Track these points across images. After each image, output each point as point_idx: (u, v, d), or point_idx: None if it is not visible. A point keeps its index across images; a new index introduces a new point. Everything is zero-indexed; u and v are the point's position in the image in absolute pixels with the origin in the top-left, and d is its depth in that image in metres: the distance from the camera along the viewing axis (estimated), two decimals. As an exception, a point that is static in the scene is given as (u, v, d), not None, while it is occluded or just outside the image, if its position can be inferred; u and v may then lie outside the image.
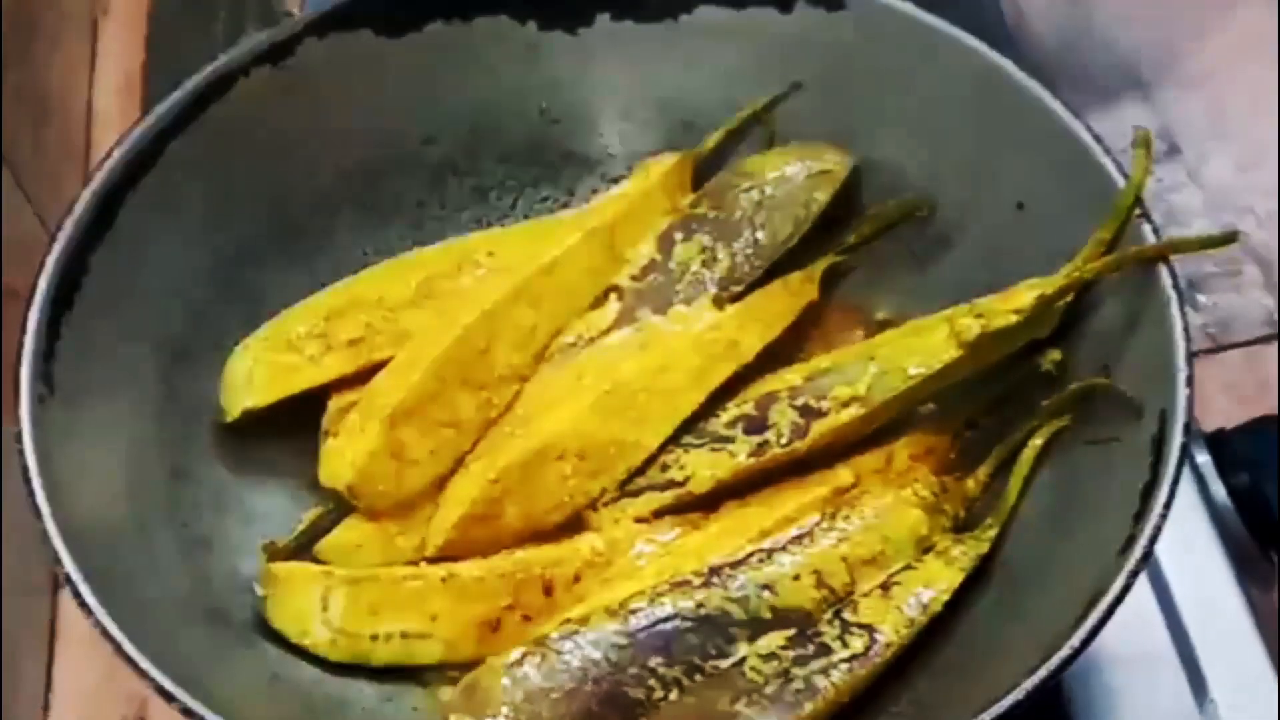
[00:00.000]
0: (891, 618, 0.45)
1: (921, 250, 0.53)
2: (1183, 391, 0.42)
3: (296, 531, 0.49)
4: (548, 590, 0.47)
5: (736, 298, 0.51)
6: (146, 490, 0.47)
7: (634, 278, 0.52)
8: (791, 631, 0.44)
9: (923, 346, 0.48)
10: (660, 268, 0.52)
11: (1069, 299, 0.47)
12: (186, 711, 0.39)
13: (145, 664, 0.39)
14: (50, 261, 0.45)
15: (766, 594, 0.45)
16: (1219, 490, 0.57)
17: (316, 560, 0.48)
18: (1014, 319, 0.47)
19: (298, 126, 0.51)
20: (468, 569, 0.47)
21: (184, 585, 0.46)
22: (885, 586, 0.45)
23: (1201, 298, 0.82)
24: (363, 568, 0.48)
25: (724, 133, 0.54)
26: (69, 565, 0.41)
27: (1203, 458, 0.57)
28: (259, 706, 0.44)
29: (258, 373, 0.50)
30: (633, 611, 0.44)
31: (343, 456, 0.48)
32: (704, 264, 0.51)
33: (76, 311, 0.46)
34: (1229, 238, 0.46)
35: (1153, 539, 0.40)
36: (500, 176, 0.56)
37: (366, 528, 0.49)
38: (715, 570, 0.45)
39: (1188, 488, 0.56)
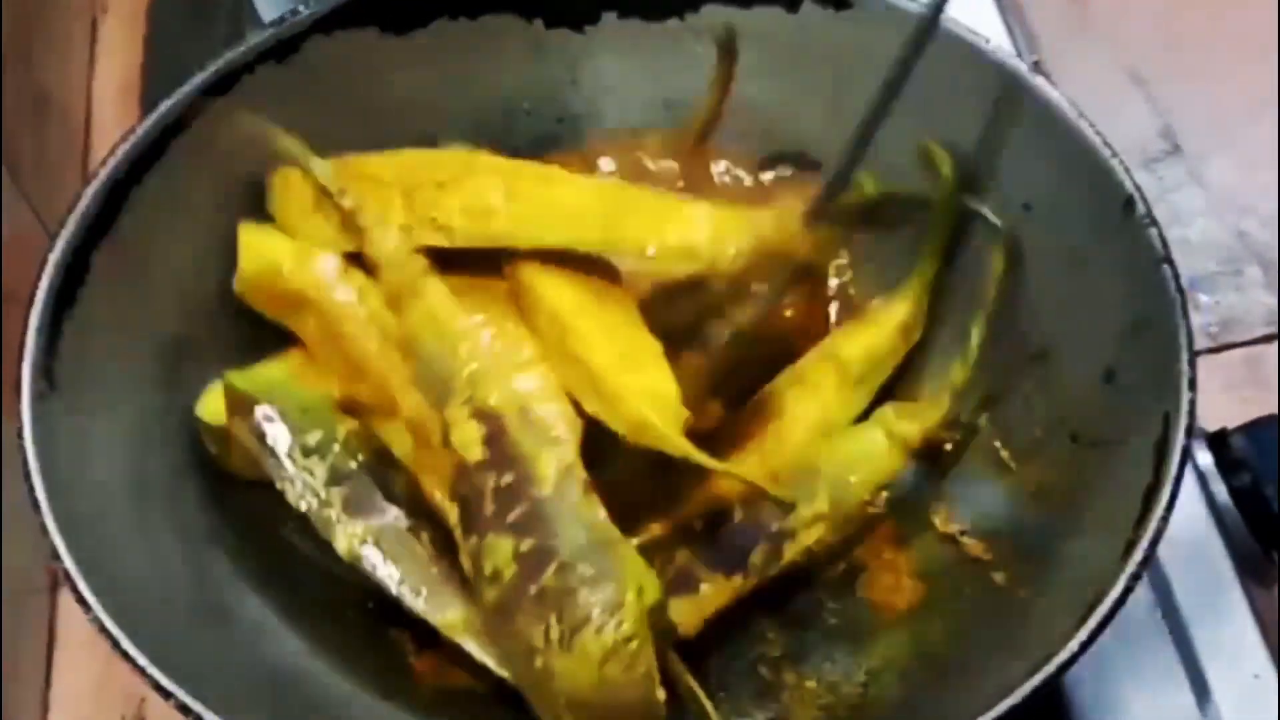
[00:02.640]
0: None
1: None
2: (1186, 395, 0.42)
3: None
4: None
5: None
6: (148, 487, 0.47)
7: None
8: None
9: (865, 455, 0.49)
10: None
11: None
12: (184, 709, 0.39)
13: (142, 660, 0.39)
14: (53, 258, 0.45)
15: None
16: (1220, 490, 0.56)
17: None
18: (940, 416, 0.49)
19: (302, 124, 0.51)
20: None
21: (184, 582, 0.46)
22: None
23: (1203, 297, 0.82)
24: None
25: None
26: (67, 560, 0.41)
27: (1204, 458, 0.57)
28: (258, 704, 0.44)
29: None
30: None
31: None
32: None
33: (79, 309, 0.46)
34: None
35: (1154, 543, 0.41)
36: (504, 174, 0.56)
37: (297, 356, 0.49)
38: None
39: (1189, 488, 0.55)
